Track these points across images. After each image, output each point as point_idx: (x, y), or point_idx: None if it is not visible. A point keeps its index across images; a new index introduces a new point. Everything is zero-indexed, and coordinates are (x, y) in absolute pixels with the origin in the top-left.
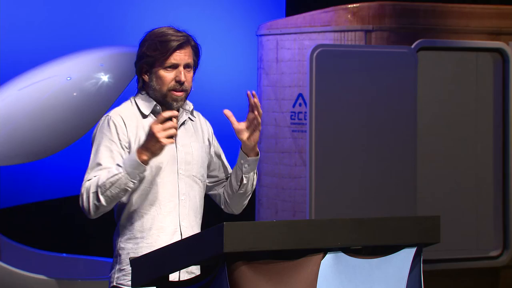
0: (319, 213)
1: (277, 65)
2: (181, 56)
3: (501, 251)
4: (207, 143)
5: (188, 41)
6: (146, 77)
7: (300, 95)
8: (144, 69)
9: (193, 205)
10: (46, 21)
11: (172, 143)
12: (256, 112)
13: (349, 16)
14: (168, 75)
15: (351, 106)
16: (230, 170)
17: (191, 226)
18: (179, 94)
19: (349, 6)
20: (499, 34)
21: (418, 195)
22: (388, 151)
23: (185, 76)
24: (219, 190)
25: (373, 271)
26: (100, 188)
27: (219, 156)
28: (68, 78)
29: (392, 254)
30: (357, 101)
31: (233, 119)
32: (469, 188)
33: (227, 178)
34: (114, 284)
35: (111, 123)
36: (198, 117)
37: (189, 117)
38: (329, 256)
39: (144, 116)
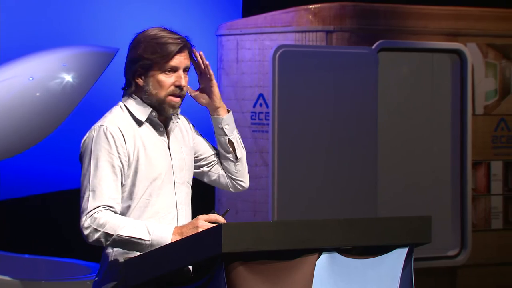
0: (281, 213)
1: (237, 65)
2: (181, 59)
3: (458, 250)
4: (192, 143)
5: (186, 45)
6: (140, 81)
7: (260, 95)
8: (139, 73)
9: (188, 213)
10: (5, 20)
11: None
12: (204, 66)
13: (310, 16)
14: (167, 80)
15: (313, 106)
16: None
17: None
18: (177, 100)
19: (310, 6)
20: (457, 35)
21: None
22: (349, 151)
23: (184, 80)
24: (219, 171)
25: (367, 271)
26: (117, 236)
27: (203, 139)
28: (30, 78)
29: (385, 254)
30: (319, 101)
31: (189, 89)
32: (426, 188)
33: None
34: None
35: (108, 135)
36: (181, 118)
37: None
38: (324, 257)
39: (139, 123)
